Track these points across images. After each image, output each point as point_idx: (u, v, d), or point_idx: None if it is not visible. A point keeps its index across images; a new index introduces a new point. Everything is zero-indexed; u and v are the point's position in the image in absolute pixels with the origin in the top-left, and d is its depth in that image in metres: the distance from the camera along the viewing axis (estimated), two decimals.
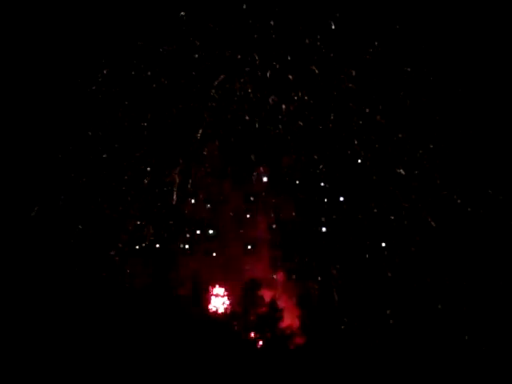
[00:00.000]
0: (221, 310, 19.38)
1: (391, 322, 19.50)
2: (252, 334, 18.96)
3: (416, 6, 19.98)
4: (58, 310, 17.30)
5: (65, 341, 16.65)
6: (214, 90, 21.28)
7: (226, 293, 20.48)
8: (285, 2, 20.82)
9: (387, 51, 20.59)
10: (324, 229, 20.87)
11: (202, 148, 22.02)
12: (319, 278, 20.32)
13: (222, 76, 21.32)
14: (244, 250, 21.50)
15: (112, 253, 19.92)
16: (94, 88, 21.17)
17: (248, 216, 21.70)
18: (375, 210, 20.65)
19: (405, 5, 20.09)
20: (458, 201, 19.85)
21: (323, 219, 21.14)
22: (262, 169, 22.02)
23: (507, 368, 17.46)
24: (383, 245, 20.31)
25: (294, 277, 20.75)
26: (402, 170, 20.70)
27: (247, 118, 21.74)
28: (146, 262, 19.35)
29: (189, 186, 22.15)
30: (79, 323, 17.06)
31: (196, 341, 17.69)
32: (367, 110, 20.72)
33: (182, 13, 21.41)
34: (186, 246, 21.41)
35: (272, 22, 20.73)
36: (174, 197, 21.83)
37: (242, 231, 21.59)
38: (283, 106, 21.61)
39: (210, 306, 19.25)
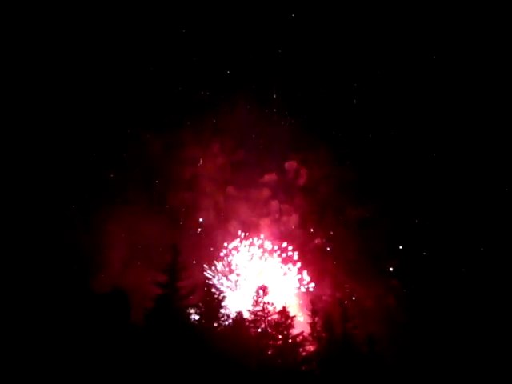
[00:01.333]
0: (232, 316, 19.26)
1: (400, 330, 19.60)
2: (263, 341, 18.81)
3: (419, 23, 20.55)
4: (65, 320, 17.14)
5: (73, 354, 16.46)
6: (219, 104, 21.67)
7: (236, 299, 20.45)
8: (291, 21, 21.33)
9: (394, 71, 21.11)
10: (331, 233, 21.16)
11: (207, 162, 22.31)
12: (329, 284, 20.44)
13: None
14: (253, 258, 21.52)
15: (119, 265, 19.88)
16: (101, 112, 21.50)
17: (255, 223, 21.86)
18: (381, 215, 20.95)
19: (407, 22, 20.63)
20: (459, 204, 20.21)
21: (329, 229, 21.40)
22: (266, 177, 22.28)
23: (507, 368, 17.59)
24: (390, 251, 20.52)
25: (304, 283, 20.78)
26: (404, 173, 21.07)
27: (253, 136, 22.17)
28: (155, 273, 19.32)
29: (194, 199, 22.33)
30: (87, 330, 16.92)
31: (206, 347, 17.54)
32: (371, 122, 21.22)
33: (183, 30, 21.87)
34: (193, 259, 21.54)
35: (277, 34, 21.18)
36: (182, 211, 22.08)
37: (250, 239, 21.64)
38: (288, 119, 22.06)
39: (220, 314, 19.12)
